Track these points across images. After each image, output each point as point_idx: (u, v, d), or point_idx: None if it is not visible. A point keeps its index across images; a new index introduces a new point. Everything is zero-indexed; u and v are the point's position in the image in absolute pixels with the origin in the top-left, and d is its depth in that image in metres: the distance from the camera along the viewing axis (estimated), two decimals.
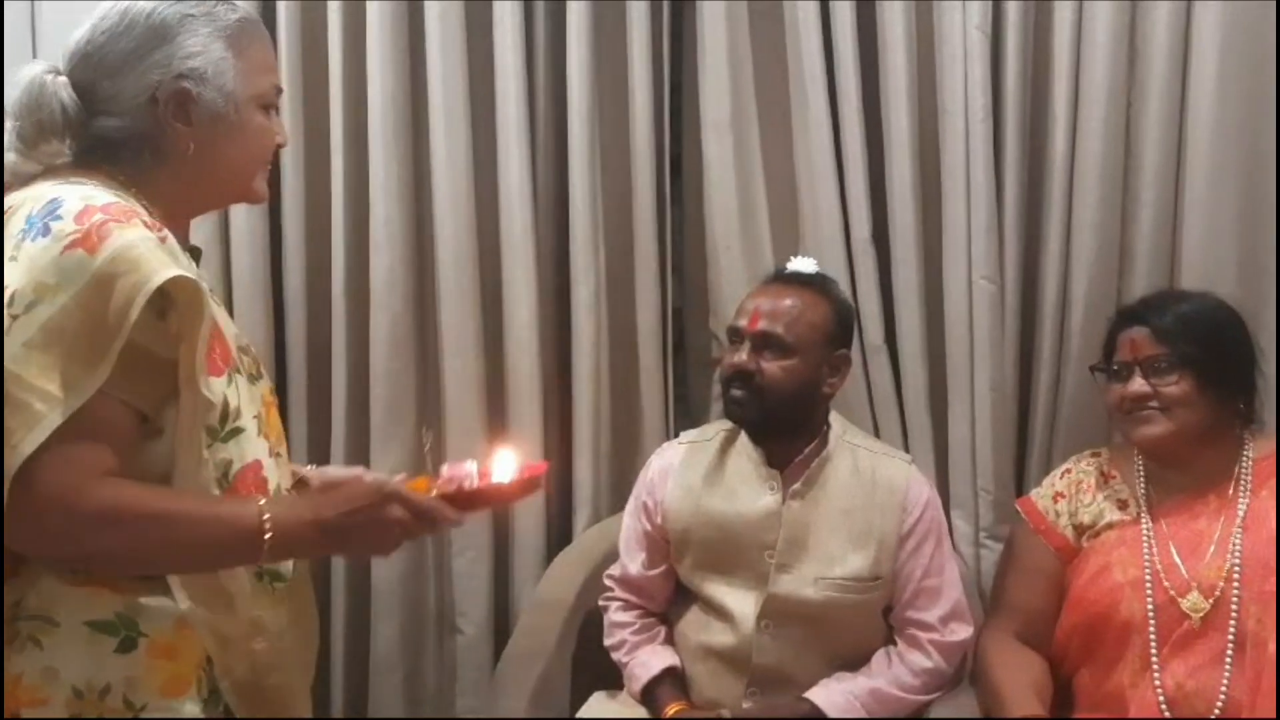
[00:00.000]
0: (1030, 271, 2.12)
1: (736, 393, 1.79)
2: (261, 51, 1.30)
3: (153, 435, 1.17)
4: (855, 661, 1.81)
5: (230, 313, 2.16)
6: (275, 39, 2.16)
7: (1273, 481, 1.68)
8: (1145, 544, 1.71)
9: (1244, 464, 1.71)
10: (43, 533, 1.11)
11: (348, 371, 2.27)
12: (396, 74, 2.19)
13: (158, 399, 1.16)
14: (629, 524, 1.95)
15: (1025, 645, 1.79)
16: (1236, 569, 1.63)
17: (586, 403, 2.23)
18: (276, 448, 1.30)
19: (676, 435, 2.01)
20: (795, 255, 1.91)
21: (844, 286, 2.02)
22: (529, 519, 2.23)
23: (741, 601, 1.80)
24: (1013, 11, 2.04)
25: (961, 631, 1.81)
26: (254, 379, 1.28)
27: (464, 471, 1.31)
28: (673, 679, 1.84)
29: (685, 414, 2.35)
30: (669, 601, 1.93)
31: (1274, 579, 1.61)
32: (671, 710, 1.79)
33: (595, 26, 2.18)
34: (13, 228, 1.14)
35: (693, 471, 1.88)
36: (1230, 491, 1.70)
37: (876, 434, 2.12)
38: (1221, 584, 1.64)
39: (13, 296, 1.09)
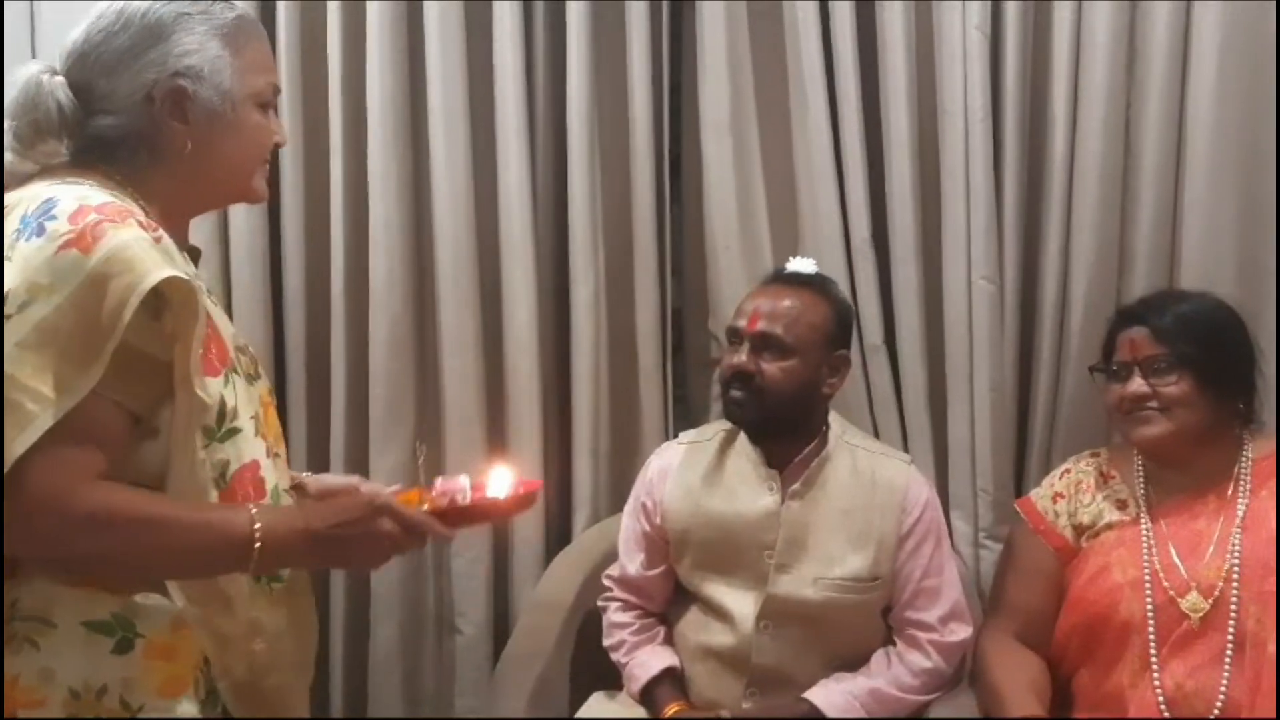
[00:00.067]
0: (1030, 272, 2.12)
1: (736, 393, 1.79)
2: (258, 50, 1.30)
3: (148, 436, 1.16)
4: (854, 662, 1.81)
5: (229, 313, 2.17)
6: (275, 39, 2.17)
7: (1272, 482, 1.68)
8: (1145, 544, 1.71)
9: (1243, 464, 1.71)
10: (33, 534, 1.11)
11: (347, 372, 2.27)
12: (396, 74, 2.19)
13: (152, 400, 1.16)
14: (628, 524, 1.95)
15: (1024, 645, 1.79)
16: (1236, 569, 1.63)
17: (586, 403, 2.23)
18: (275, 448, 1.30)
19: (676, 436, 2.01)
20: (794, 256, 1.91)
21: (843, 287, 2.03)
22: (528, 519, 2.23)
23: (741, 602, 1.80)
24: (1012, 11, 2.04)
25: (961, 632, 1.80)
26: (252, 379, 1.28)
27: (457, 486, 1.31)
28: (672, 679, 1.84)
29: (684, 414, 2.35)
30: (668, 602, 1.93)
31: (1273, 579, 1.61)
32: (671, 710, 1.79)
33: (595, 27, 2.18)
34: (8, 228, 1.14)
35: (692, 472, 1.88)
36: (1230, 492, 1.70)
37: (876, 434, 2.12)
38: (1221, 584, 1.63)
39: (6, 296, 1.09)
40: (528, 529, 2.24)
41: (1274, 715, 1.56)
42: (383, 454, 2.23)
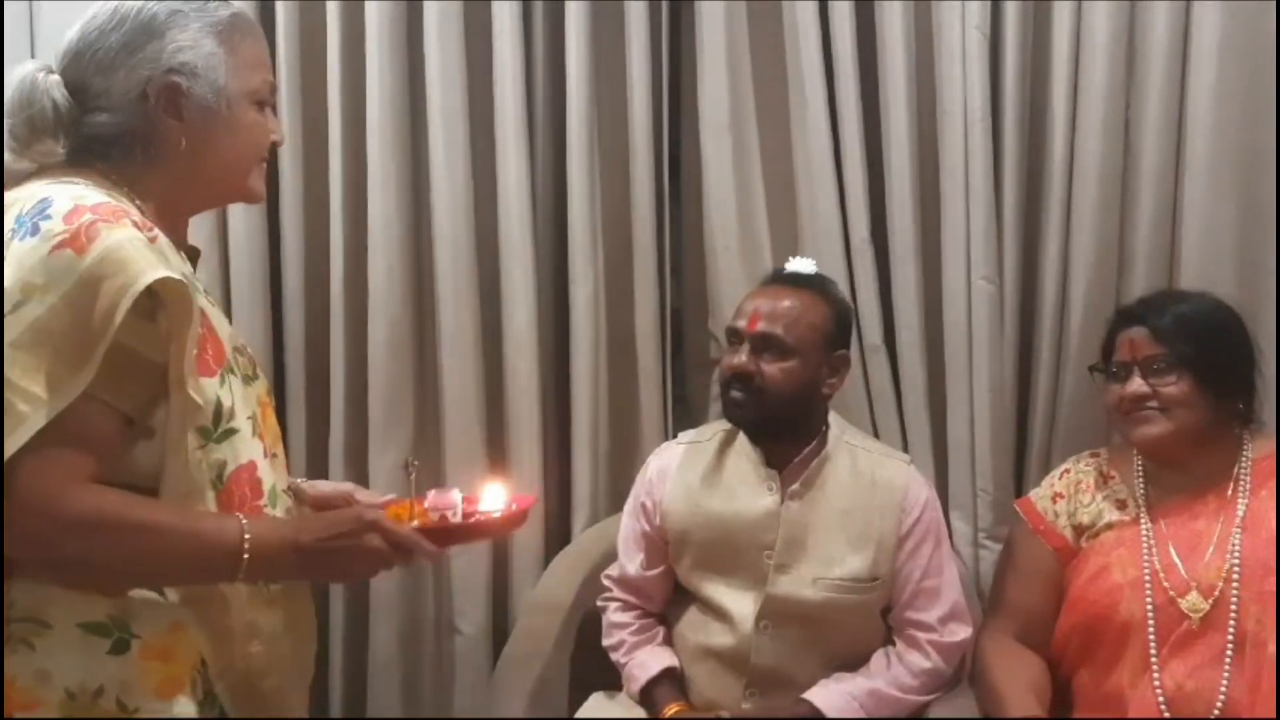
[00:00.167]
0: (1029, 272, 2.12)
1: (736, 394, 1.79)
2: (254, 48, 1.29)
3: (143, 436, 1.16)
4: (854, 662, 1.80)
5: (229, 313, 2.17)
6: (273, 39, 2.17)
7: (1272, 482, 1.68)
8: (1144, 544, 1.71)
9: (1243, 464, 1.71)
10: (22, 535, 1.10)
11: (346, 372, 2.27)
12: (395, 74, 2.19)
13: (145, 401, 1.15)
14: (627, 524, 1.95)
15: (1024, 646, 1.79)
16: (1236, 569, 1.63)
17: (585, 403, 2.23)
18: (272, 448, 1.29)
19: (675, 436, 2.01)
20: (794, 256, 1.91)
21: (843, 287, 2.03)
22: (528, 520, 2.22)
23: (740, 602, 1.79)
24: (1012, 11, 2.04)
25: (960, 632, 1.80)
26: (249, 379, 1.27)
27: (449, 501, 1.32)
28: (671, 680, 1.84)
29: (684, 415, 2.35)
30: (667, 602, 1.93)
31: (1273, 579, 1.61)
32: (670, 711, 1.79)
33: (594, 27, 2.18)
34: (4, 227, 1.14)
35: (691, 472, 1.88)
36: (1229, 492, 1.70)
37: (875, 434, 2.12)
38: (1221, 584, 1.63)
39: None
40: (527, 529, 2.23)
41: (1274, 715, 1.56)
42: (382, 454, 2.23)
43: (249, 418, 1.24)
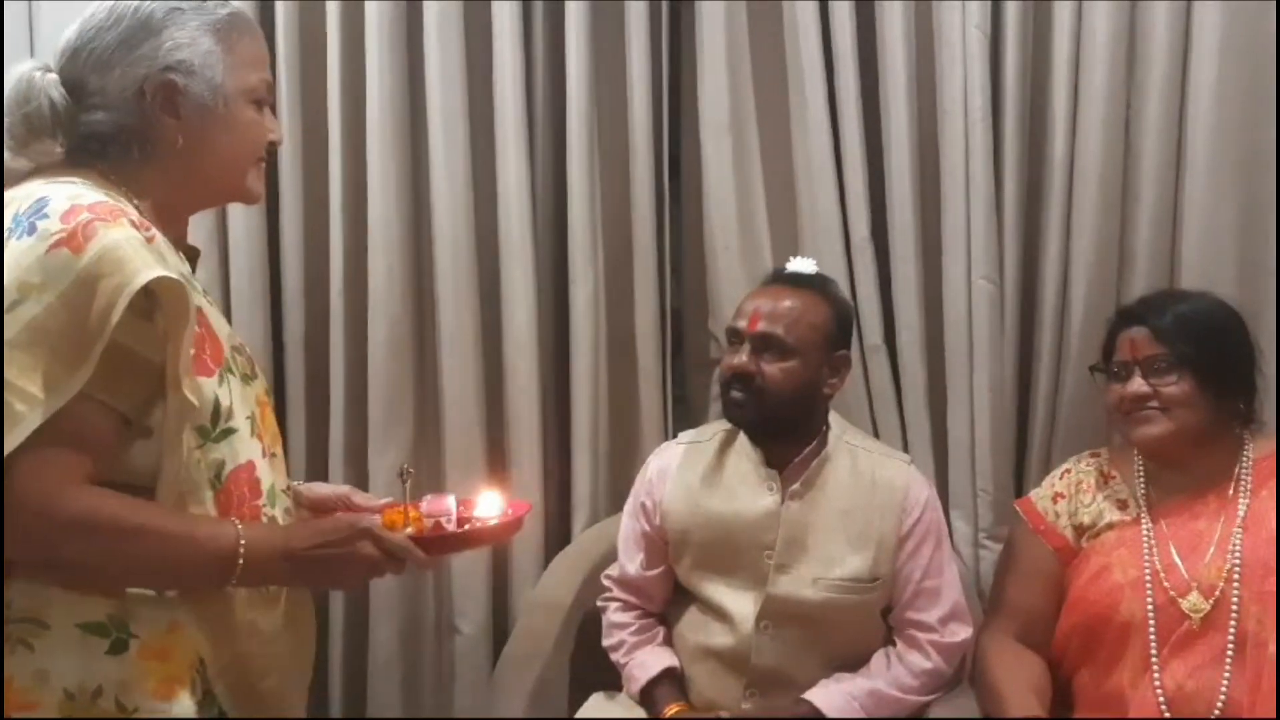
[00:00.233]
0: (1030, 271, 2.12)
1: (736, 394, 1.79)
2: (252, 46, 1.29)
3: (141, 436, 1.16)
4: (854, 662, 1.80)
5: (228, 313, 2.17)
6: (273, 39, 2.17)
7: (1273, 482, 1.68)
8: (1145, 544, 1.71)
9: (1244, 464, 1.71)
10: (18, 535, 1.10)
11: (346, 372, 2.26)
12: (395, 74, 2.19)
13: (142, 401, 1.15)
14: (627, 524, 1.95)
15: (1024, 646, 1.78)
16: (1236, 569, 1.63)
17: (585, 403, 2.23)
18: (271, 448, 1.29)
19: (675, 436, 2.01)
20: (794, 255, 1.90)
21: (843, 286, 2.02)
22: (528, 520, 2.22)
23: (740, 602, 1.79)
24: (1012, 11, 2.04)
25: (961, 632, 1.80)
26: (248, 379, 1.27)
27: (444, 508, 1.33)
28: (671, 680, 1.84)
29: (684, 415, 2.35)
30: (667, 602, 1.93)
31: (1274, 579, 1.61)
32: (670, 711, 1.79)
33: (594, 27, 2.18)
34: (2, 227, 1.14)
35: (691, 472, 1.88)
36: (1230, 492, 1.70)
37: (875, 434, 2.12)
38: (1221, 584, 1.63)
39: None
40: (527, 530, 2.23)
41: (1274, 716, 1.56)
42: (381, 454, 2.23)
43: (247, 417, 1.24)
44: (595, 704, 1.91)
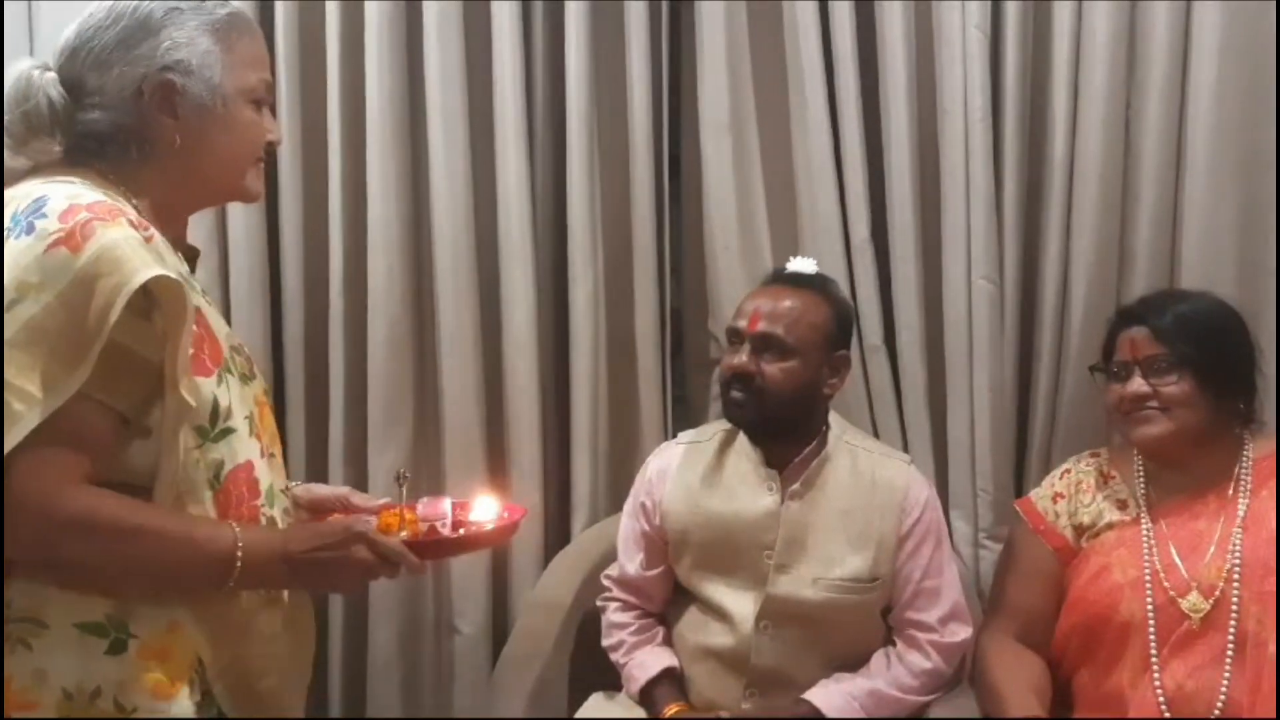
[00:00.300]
0: (1030, 271, 2.12)
1: (736, 394, 1.78)
2: (251, 46, 1.29)
3: (139, 435, 1.16)
4: (854, 662, 1.80)
5: (228, 313, 2.17)
6: (273, 40, 2.17)
7: (1273, 482, 1.68)
8: (1145, 544, 1.71)
9: (1244, 464, 1.71)
10: (17, 535, 1.10)
11: (345, 372, 2.26)
12: (395, 74, 2.19)
13: (140, 400, 1.15)
14: (627, 524, 1.95)
15: (1024, 646, 1.78)
16: (1236, 569, 1.63)
17: (584, 403, 2.23)
18: (270, 448, 1.29)
19: (675, 436, 2.01)
20: (794, 255, 1.90)
21: (843, 287, 2.02)
22: (527, 520, 2.21)
23: (740, 602, 1.79)
24: (1013, 11, 2.04)
25: (961, 632, 1.80)
26: (246, 379, 1.27)
27: (439, 512, 1.35)
28: (671, 680, 1.83)
29: (684, 415, 2.35)
30: (667, 602, 1.93)
31: (1274, 579, 1.60)
32: (670, 711, 1.79)
33: (594, 27, 2.18)
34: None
35: (691, 472, 1.87)
36: (1230, 492, 1.70)
37: (875, 434, 2.12)
38: (1221, 584, 1.63)
39: None
40: (527, 530, 2.23)
41: (1274, 716, 1.56)
42: (381, 454, 2.23)
43: (246, 417, 1.24)
44: (595, 704, 1.91)
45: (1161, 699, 1.63)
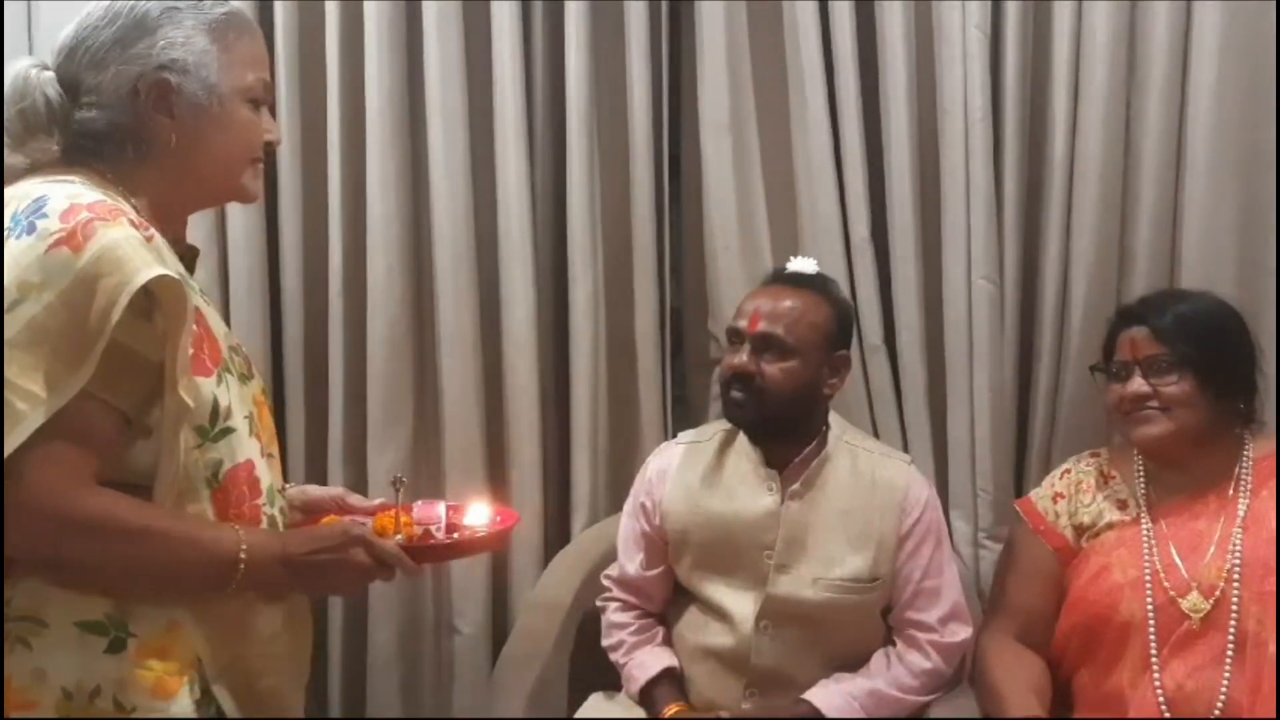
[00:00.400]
0: (1030, 271, 2.12)
1: (736, 394, 1.78)
2: (249, 46, 1.29)
3: (140, 435, 1.16)
4: (854, 662, 1.80)
5: (227, 313, 2.17)
6: (272, 39, 2.17)
7: (1273, 481, 1.68)
8: (1145, 544, 1.71)
9: (1244, 464, 1.71)
10: (25, 534, 1.10)
11: (345, 372, 2.26)
12: (394, 74, 2.19)
13: (141, 400, 1.15)
14: (627, 524, 1.95)
15: (1024, 646, 1.78)
16: (1236, 569, 1.63)
17: (584, 403, 2.23)
18: (268, 448, 1.30)
19: (675, 436, 2.01)
20: (794, 255, 1.90)
21: (843, 286, 2.02)
22: (527, 519, 2.23)
23: (740, 602, 1.79)
24: (1013, 11, 2.04)
25: (961, 632, 1.80)
26: (245, 379, 1.27)
27: (434, 516, 1.36)
28: (671, 680, 1.83)
29: (684, 415, 2.35)
30: (667, 602, 1.93)
31: (1274, 579, 1.60)
32: (670, 711, 1.79)
33: (594, 26, 2.18)
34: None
35: (691, 472, 1.87)
36: (1230, 491, 1.70)
37: (875, 434, 2.12)
38: (1221, 584, 1.63)
39: None
40: (527, 530, 2.23)
41: (1275, 716, 1.56)
42: (381, 453, 2.23)
43: (246, 417, 1.24)
44: (594, 704, 1.91)
45: (1161, 699, 1.63)
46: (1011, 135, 2.06)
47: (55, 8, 2.13)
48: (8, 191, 1.18)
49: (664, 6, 2.23)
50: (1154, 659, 1.64)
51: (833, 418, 1.87)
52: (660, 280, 2.26)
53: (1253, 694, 1.59)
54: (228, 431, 1.20)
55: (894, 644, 1.81)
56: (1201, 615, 1.63)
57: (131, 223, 1.15)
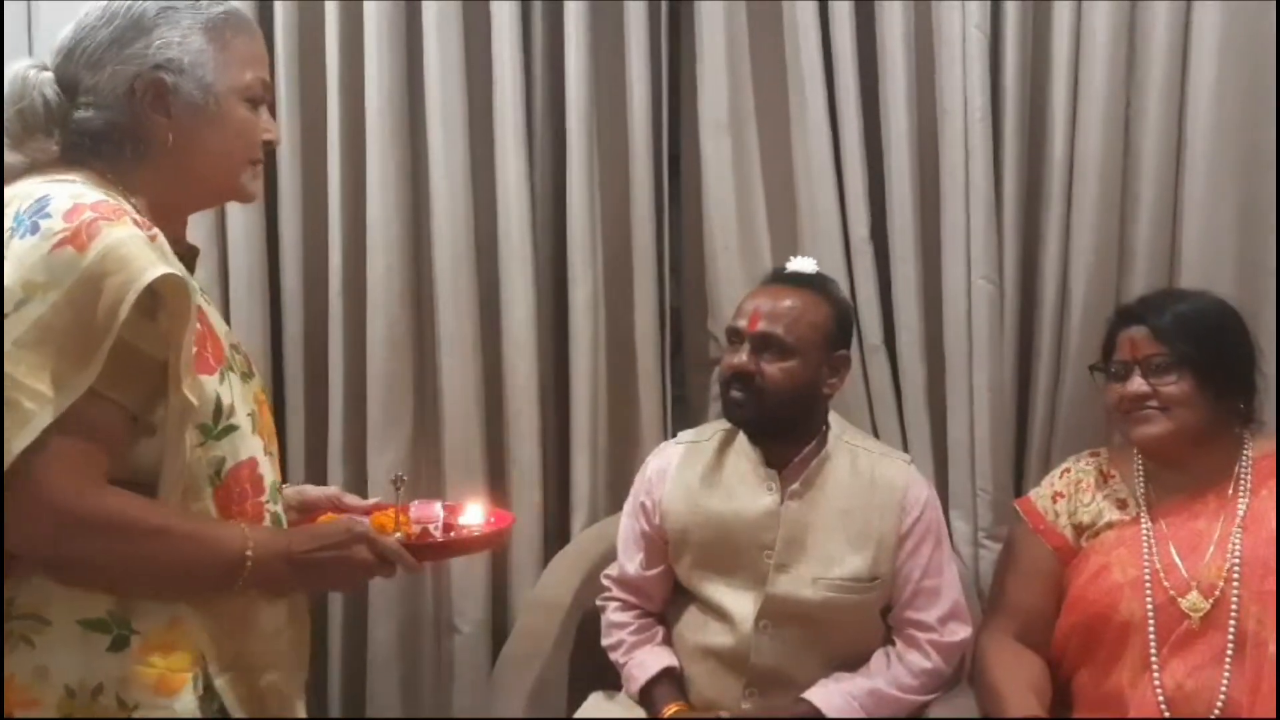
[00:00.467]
0: (1029, 271, 2.12)
1: (736, 394, 1.78)
2: (246, 45, 1.29)
3: (145, 433, 1.16)
4: (854, 662, 1.80)
5: (227, 312, 2.17)
6: (271, 39, 2.17)
7: (1272, 481, 1.68)
8: (1145, 544, 1.71)
9: (1243, 464, 1.71)
10: (33, 532, 1.11)
11: (344, 372, 2.26)
12: (394, 74, 2.19)
13: (147, 398, 1.15)
14: (627, 524, 1.95)
15: (1024, 645, 1.78)
16: (1236, 569, 1.63)
17: (584, 403, 2.23)
18: (269, 446, 1.30)
19: (674, 436, 2.01)
20: (794, 255, 1.90)
21: (843, 286, 2.02)
22: (527, 519, 2.23)
23: (740, 602, 1.79)
24: (1012, 11, 2.04)
25: (960, 632, 1.80)
26: (246, 377, 1.28)
27: (432, 514, 1.37)
28: (670, 679, 1.83)
29: (683, 414, 2.35)
30: (667, 602, 1.93)
31: (1274, 579, 1.61)
32: (669, 711, 1.79)
33: (593, 26, 2.18)
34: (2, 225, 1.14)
35: (691, 471, 1.87)
36: (1230, 491, 1.70)
37: (875, 434, 2.12)
38: (1221, 584, 1.63)
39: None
40: (527, 529, 2.23)
41: (1274, 715, 1.56)
42: (380, 453, 2.23)
43: (248, 415, 1.24)
44: (594, 703, 1.91)
45: (1161, 698, 1.63)
46: (1011, 135, 2.06)
47: (55, 8, 2.13)
48: (8, 191, 1.18)
49: (664, 6, 2.23)
50: (1154, 659, 1.64)
51: (832, 417, 1.87)
52: (660, 280, 2.26)
53: (1252, 694, 1.59)
54: (231, 429, 1.21)
55: (894, 643, 1.81)
56: (1201, 615, 1.63)
57: (135, 222, 1.15)
